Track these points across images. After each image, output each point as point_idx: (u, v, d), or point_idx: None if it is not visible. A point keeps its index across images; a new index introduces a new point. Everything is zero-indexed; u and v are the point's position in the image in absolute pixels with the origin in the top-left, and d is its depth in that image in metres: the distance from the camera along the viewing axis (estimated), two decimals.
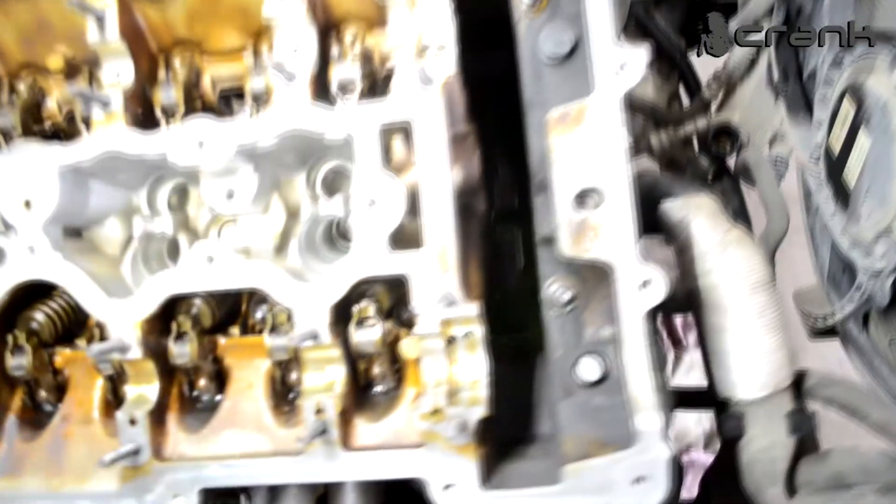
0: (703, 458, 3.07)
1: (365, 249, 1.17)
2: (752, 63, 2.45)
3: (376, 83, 1.33)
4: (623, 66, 1.19)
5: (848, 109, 1.88)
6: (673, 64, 2.59)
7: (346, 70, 1.26)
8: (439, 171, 1.16)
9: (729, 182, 2.54)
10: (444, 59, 1.19)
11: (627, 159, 1.19)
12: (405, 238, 1.21)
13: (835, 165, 1.98)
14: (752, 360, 1.45)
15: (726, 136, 2.51)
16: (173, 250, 1.37)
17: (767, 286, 1.47)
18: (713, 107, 2.61)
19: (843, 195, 1.95)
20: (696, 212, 1.53)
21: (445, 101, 1.17)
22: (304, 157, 1.31)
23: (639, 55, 1.19)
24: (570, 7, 1.29)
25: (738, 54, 2.41)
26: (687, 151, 2.60)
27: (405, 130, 1.21)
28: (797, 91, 2.27)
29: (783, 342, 1.47)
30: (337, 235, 1.39)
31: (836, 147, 1.96)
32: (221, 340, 1.32)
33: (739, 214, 2.51)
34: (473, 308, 1.16)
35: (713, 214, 1.54)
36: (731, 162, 2.59)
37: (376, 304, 1.24)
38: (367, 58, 1.30)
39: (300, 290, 1.18)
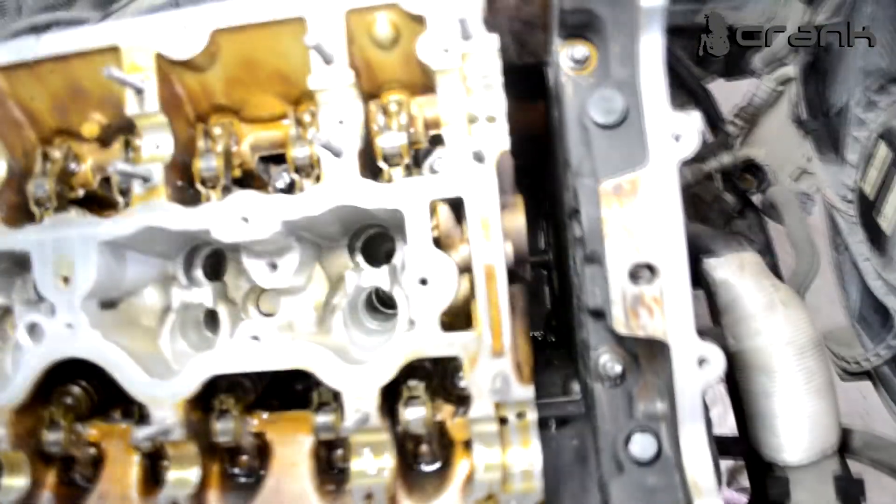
0: (736, 498, 3.02)
1: (415, 329, 1.14)
2: (777, 98, 2.43)
3: (419, 151, 1.29)
4: (678, 136, 1.16)
5: (884, 154, 1.85)
6: (694, 97, 2.56)
7: (392, 139, 1.22)
8: (493, 250, 1.12)
9: (755, 218, 2.51)
10: (496, 132, 1.15)
11: (684, 233, 1.15)
12: (450, 311, 1.18)
13: (868, 208, 1.95)
14: (800, 425, 1.42)
15: (752, 171, 2.48)
16: (210, 319, 1.33)
17: (816, 348, 1.44)
18: (737, 142, 2.58)
19: (877, 239, 1.92)
20: (740, 272, 1.50)
21: (497, 175, 1.14)
22: (348, 228, 1.27)
23: (693, 124, 1.16)
24: (620, 72, 1.26)
25: (763, 90, 2.38)
26: (711, 187, 2.57)
27: (453, 203, 1.17)
28: (825, 128, 2.24)
29: (831, 406, 1.44)
30: (378, 302, 1.36)
31: (870, 190, 1.93)
32: (263, 415, 1.28)
33: (765, 250, 2.48)
34: (528, 392, 1.12)
35: (759, 274, 1.51)
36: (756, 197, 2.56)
37: (425, 382, 1.20)
38: (411, 125, 1.26)
39: (349, 372, 1.14)
